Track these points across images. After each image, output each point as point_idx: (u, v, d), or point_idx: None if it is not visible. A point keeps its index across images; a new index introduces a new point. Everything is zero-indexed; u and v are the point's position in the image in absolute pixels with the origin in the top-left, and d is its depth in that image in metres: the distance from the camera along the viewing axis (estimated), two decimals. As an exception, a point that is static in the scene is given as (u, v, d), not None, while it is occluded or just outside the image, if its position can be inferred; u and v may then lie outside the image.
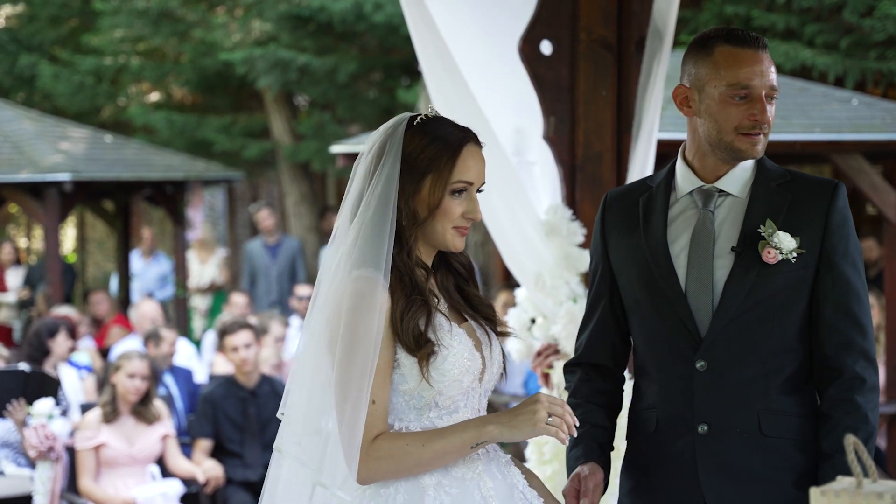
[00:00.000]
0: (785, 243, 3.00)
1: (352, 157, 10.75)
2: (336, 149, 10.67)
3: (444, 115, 4.80)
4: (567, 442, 2.74)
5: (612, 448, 3.22)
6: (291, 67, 13.29)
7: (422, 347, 2.72)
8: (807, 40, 10.73)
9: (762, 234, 3.02)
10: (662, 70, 4.61)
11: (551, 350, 4.70)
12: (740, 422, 3.02)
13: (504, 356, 2.91)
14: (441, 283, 2.86)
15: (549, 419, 2.70)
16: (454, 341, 2.77)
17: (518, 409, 2.74)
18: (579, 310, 4.63)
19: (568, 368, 3.31)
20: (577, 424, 2.76)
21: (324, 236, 15.17)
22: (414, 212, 2.77)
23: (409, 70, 14.44)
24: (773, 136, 3.20)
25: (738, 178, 3.12)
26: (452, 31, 4.65)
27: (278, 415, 2.87)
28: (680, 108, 3.15)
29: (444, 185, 2.78)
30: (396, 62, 14.20)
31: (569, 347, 4.67)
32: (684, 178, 3.15)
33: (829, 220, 3.04)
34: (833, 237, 3.03)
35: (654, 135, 4.64)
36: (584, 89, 4.73)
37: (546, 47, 4.74)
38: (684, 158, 3.18)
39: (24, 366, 7.98)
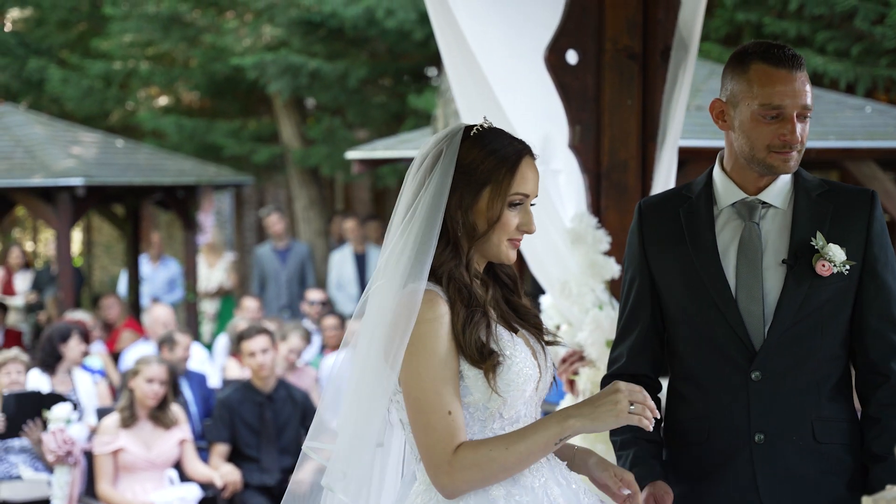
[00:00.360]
0: (837, 256, 3.09)
1: (367, 162, 10.80)
2: (351, 155, 10.71)
3: (467, 121, 4.89)
4: (650, 428, 2.73)
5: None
6: (302, 72, 13.32)
7: (487, 359, 2.72)
8: (818, 47, 10.77)
9: (815, 247, 3.10)
10: (687, 79, 4.65)
11: (577, 357, 4.73)
12: (796, 430, 3.11)
13: (553, 365, 2.93)
14: (492, 294, 2.86)
15: (632, 407, 2.70)
16: (516, 351, 2.78)
17: (597, 400, 2.72)
18: (605, 317, 4.67)
19: (607, 379, 3.35)
20: (658, 417, 2.76)
21: (332, 241, 15.21)
22: (473, 224, 2.77)
23: (419, 76, 14.48)
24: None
25: (780, 190, 3.19)
26: (479, 39, 4.69)
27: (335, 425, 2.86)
28: (716, 122, 3.22)
29: (504, 197, 2.78)
30: (406, 68, 14.24)
31: (594, 354, 4.70)
32: (726, 190, 3.21)
33: (871, 230, 3.14)
34: (875, 247, 3.14)
35: (677, 143, 4.68)
36: (609, 98, 4.76)
37: (572, 57, 4.77)
38: (723, 169, 3.23)
39: (40, 379, 8.02)
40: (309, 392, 8.46)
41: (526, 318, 2.90)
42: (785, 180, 3.19)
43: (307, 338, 9.34)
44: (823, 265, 3.08)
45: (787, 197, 3.18)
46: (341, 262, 12.65)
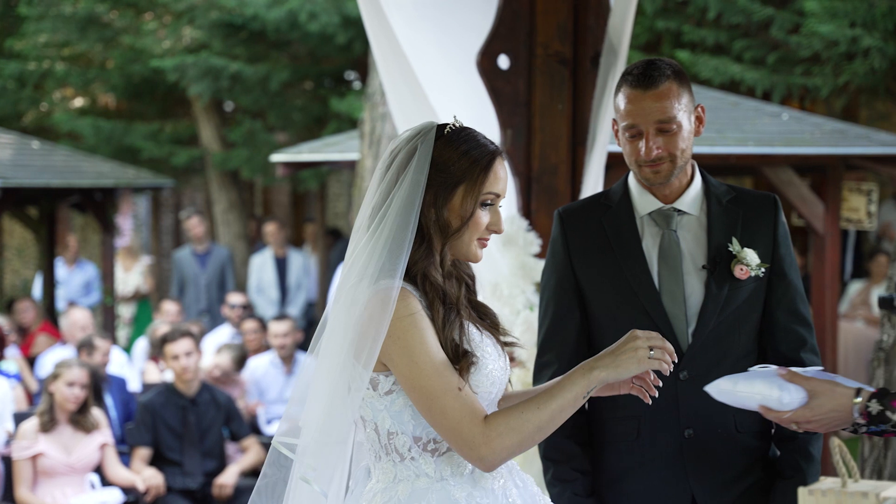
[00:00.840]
0: (753, 260, 3.27)
1: (290, 166, 10.77)
2: (276, 158, 10.66)
3: (400, 126, 4.91)
4: (668, 372, 2.80)
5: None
6: (223, 75, 13.24)
7: (461, 359, 2.74)
8: (736, 55, 11.00)
9: (732, 252, 3.28)
10: (615, 84, 4.72)
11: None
12: (720, 423, 3.29)
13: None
14: (463, 293, 2.88)
15: (651, 352, 2.75)
16: (486, 352, 2.82)
17: (618, 349, 2.76)
18: (535, 318, 4.73)
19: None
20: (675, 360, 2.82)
21: (252, 244, 15.13)
22: (447, 222, 2.79)
23: (341, 80, 14.47)
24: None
25: (693, 198, 3.36)
26: (412, 44, 4.73)
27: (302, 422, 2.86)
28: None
29: (477, 195, 2.80)
30: (328, 71, 14.22)
31: (524, 356, 4.76)
32: (642, 199, 3.38)
33: (777, 233, 3.36)
34: (781, 248, 3.35)
35: (606, 147, 4.77)
36: (540, 103, 4.83)
37: (503, 62, 4.83)
38: (638, 181, 3.40)
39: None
40: (233, 395, 8.42)
41: (486, 318, 2.92)
42: (696, 188, 3.37)
43: (240, 360, 9.22)
44: (741, 269, 3.26)
45: (700, 204, 3.37)
46: (262, 266, 12.59)
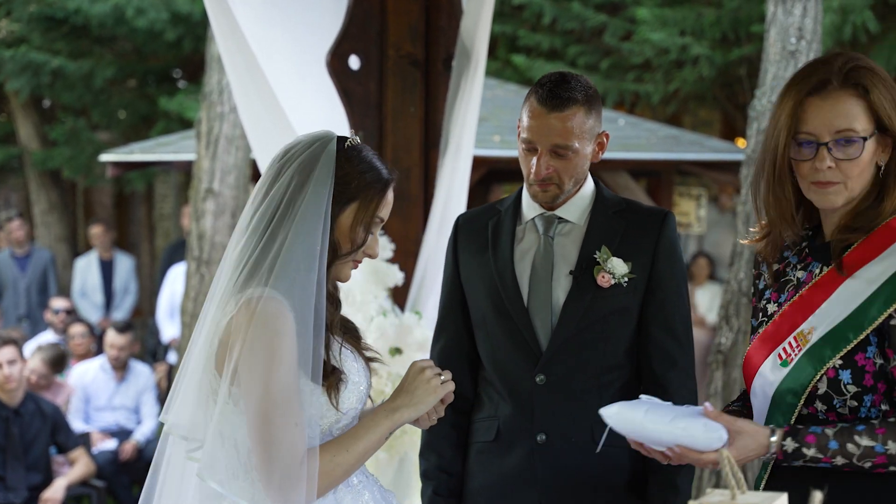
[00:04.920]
0: (618, 269, 3.24)
1: (121, 165, 10.42)
2: (105, 157, 10.31)
3: (248, 127, 4.76)
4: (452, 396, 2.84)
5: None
6: (44, 71, 12.74)
7: (329, 376, 2.68)
8: (570, 60, 11.14)
9: (597, 260, 3.26)
10: (472, 87, 4.67)
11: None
12: (575, 431, 3.25)
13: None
14: (335, 308, 2.83)
15: (441, 378, 2.78)
16: (353, 368, 2.77)
17: (409, 385, 2.76)
18: (389, 324, 4.64)
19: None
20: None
21: (75, 247, 14.61)
22: (336, 242, 2.73)
23: (168, 78, 14.10)
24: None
25: (577, 206, 3.32)
26: (261, 42, 4.57)
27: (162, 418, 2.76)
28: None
29: (371, 217, 2.75)
30: (156, 69, 13.83)
31: (378, 366, 4.66)
32: (528, 206, 3.36)
33: (658, 248, 3.28)
34: (661, 263, 3.28)
35: (465, 151, 4.70)
36: (392, 105, 4.75)
37: (354, 62, 4.73)
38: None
39: None
40: (58, 402, 8.07)
41: (349, 332, 2.87)
42: (584, 198, 3.33)
43: (56, 362, 8.80)
44: (604, 277, 3.24)
45: (585, 214, 3.33)
46: (86, 269, 12.15)
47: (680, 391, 3.25)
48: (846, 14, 9.19)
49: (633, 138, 8.72)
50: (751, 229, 2.93)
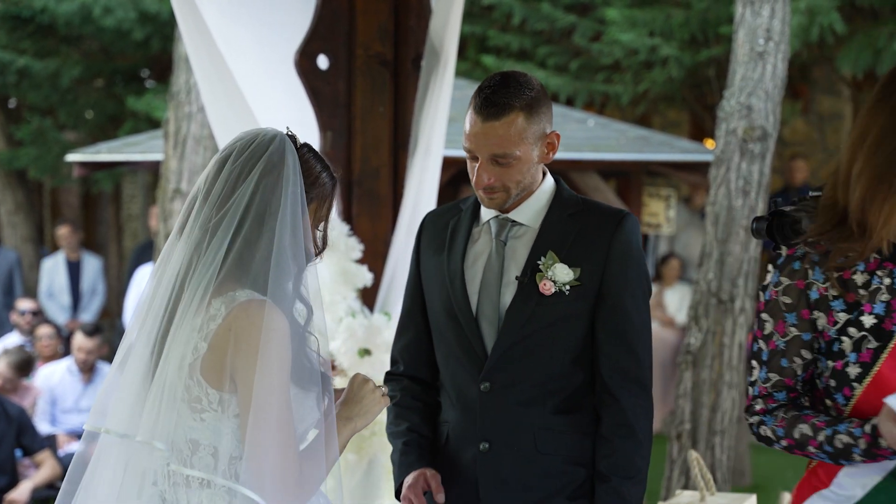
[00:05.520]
0: (560, 276, 3.11)
1: (88, 166, 10.34)
2: (72, 157, 10.21)
3: (216, 127, 4.73)
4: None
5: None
6: (9, 70, 12.61)
7: (319, 382, 2.66)
8: (539, 61, 11.13)
9: (539, 267, 3.13)
10: (441, 87, 4.66)
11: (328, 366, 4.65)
12: (518, 440, 3.15)
13: None
14: None
15: (383, 389, 2.83)
16: (329, 373, 2.76)
17: (357, 396, 2.79)
18: (358, 325, 4.62)
19: (390, 377, 3.38)
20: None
21: (41, 247, 14.48)
22: (309, 244, 2.71)
23: (136, 77, 13.99)
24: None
25: (531, 209, 3.19)
26: (227, 40, 4.54)
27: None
28: None
29: (326, 216, 2.76)
30: (123, 68, 13.72)
31: (346, 363, 4.65)
32: (486, 208, 3.25)
33: (611, 251, 3.13)
34: (613, 267, 3.12)
35: (435, 151, 4.68)
36: (361, 105, 4.73)
37: (323, 62, 4.71)
38: None
39: None
40: (24, 404, 7.99)
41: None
42: (539, 198, 3.20)
43: (22, 366, 8.70)
44: (545, 284, 3.11)
45: (539, 216, 3.20)
46: (53, 270, 12.05)
47: (632, 403, 3.13)
48: (813, 15, 9.23)
49: (603, 139, 8.72)
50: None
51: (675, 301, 10.63)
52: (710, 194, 7.05)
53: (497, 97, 3.07)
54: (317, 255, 2.76)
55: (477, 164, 3.11)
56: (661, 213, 9.43)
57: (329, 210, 2.77)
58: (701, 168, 9.21)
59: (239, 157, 2.69)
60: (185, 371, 2.62)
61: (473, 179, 3.14)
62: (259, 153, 2.68)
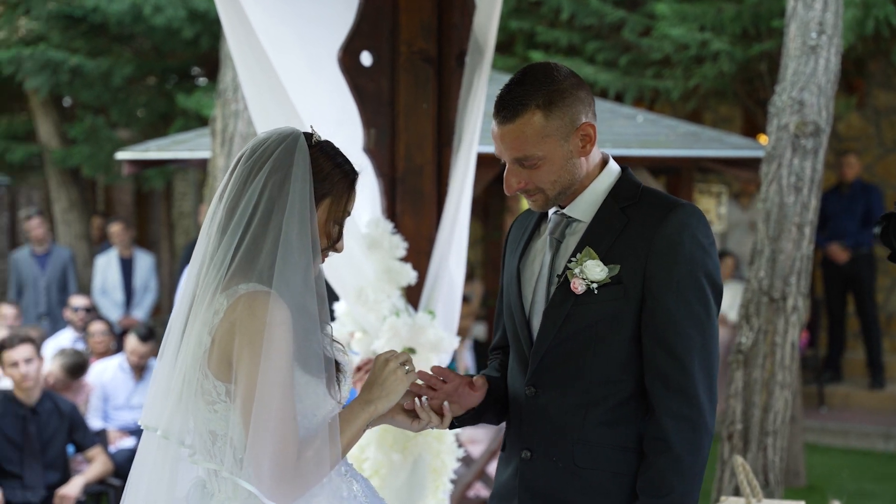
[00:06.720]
0: (591, 273, 2.94)
1: (136, 164, 10.40)
2: (121, 155, 10.29)
3: (259, 125, 4.72)
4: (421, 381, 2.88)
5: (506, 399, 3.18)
6: (63, 69, 12.73)
7: (329, 368, 2.71)
8: (588, 57, 11.05)
9: (570, 264, 2.97)
10: (483, 84, 4.62)
11: (371, 366, 4.63)
12: (557, 450, 3.00)
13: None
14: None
15: (406, 368, 2.84)
16: (344, 360, 2.84)
17: (378, 378, 2.82)
18: (402, 324, 4.59)
19: (494, 352, 3.34)
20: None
21: (94, 244, 14.61)
22: (316, 238, 2.75)
23: (187, 75, 14.07)
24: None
25: (585, 202, 3.04)
26: (271, 38, 4.52)
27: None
28: None
29: (343, 211, 2.80)
30: (174, 67, 13.82)
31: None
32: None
33: (653, 246, 2.91)
34: (655, 265, 2.91)
35: (475, 148, 4.64)
36: (404, 102, 4.69)
37: (366, 59, 4.68)
38: None
39: None
40: (77, 402, 8.05)
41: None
42: (596, 192, 3.03)
43: (75, 369, 8.76)
44: (575, 282, 2.94)
45: (593, 210, 3.02)
46: (106, 267, 12.15)
47: (671, 413, 2.89)
48: (868, 8, 9.07)
49: (653, 135, 8.63)
50: None
51: (727, 299, 10.52)
52: (761, 191, 6.94)
53: (510, 97, 2.94)
54: (329, 249, 2.80)
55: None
56: (712, 210, 9.32)
57: (347, 205, 2.81)
58: (753, 164, 9.09)
59: (251, 157, 2.76)
60: (197, 365, 2.70)
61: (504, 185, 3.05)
62: (269, 152, 2.74)
